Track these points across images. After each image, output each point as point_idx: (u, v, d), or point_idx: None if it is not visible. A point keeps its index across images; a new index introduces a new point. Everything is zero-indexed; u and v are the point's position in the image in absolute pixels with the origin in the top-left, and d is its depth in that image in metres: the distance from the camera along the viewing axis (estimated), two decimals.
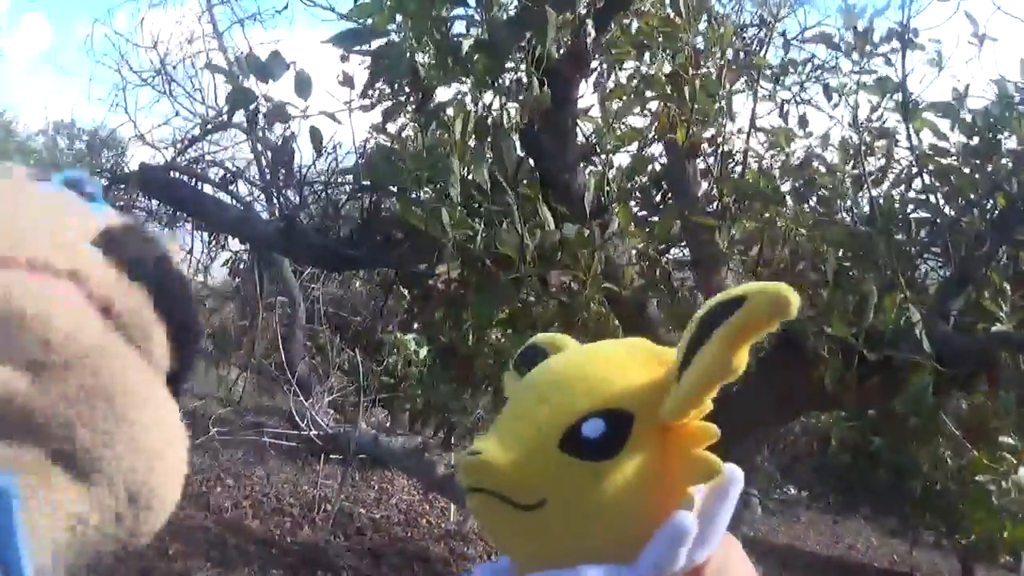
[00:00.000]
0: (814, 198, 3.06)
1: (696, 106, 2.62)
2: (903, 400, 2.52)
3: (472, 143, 2.36)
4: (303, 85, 2.24)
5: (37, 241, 0.53)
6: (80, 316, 0.52)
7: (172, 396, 0.57)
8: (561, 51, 2.41)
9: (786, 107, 3.35)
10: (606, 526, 0.72)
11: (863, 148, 3.00)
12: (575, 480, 0.71)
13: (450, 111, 2.38)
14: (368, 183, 2.67)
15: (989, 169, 2.79)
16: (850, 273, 2.72)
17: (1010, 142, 2.81)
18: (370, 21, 2.21)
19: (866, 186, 2.92)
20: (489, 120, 2.42)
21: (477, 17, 2.29)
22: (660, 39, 2.61)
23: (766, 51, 3.32)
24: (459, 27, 2.43)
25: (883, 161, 3.23)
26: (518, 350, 0.91)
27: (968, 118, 2.84)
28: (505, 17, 2.29)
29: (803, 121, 3.23)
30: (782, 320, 0.66)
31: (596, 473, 0.71)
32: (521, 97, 2.29)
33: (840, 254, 2.72)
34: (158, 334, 0.56)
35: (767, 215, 2.90)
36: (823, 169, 3.10)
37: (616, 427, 0.72)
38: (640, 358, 0.78)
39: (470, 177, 2.31)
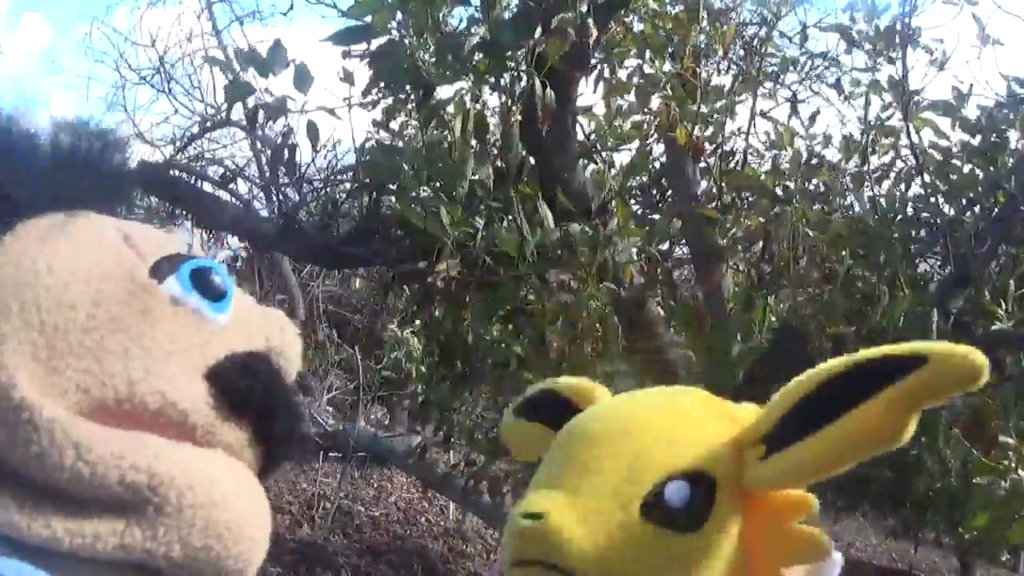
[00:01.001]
0: (815, 200, 3.06)
1: (700, 108, 2.62)
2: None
3: (472, 141, 2.35)
4: (303, 79, 2.24)
5: (153, 384, 0.52)
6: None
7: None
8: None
9: (795, 105, 3.35)
10: None
11: (868, 146, 3.00)
12: (660, 558, 0.60)
13: (451, 109, 2.38)
14: (368, 181, 2.67)
15: (991, 169, 2.79)
16: (851, 272, 2.72)
17: (1016, 141, 2.81)
18: (370, 19, 2.21)
19: (868, 184, 2.92)
20: (489, 118, 2.41)
21: (479, 15, 2.28)
22: (663, 36, 2.61)
23: (766, 47, 3.31)
24: (460, 24, 2.43)
25: (887, 158, 3.23)
26: (524, 394, 0.79)
27: (971, 117, 2.84)
28: (507, 16, 2.29)
29: (812, 119, 3.23)
30: (967, 391, 0.57)
31: (679, 547, 0.61)
32: (522, 94, 2.29)
33: (845, 251, 2.72)
34: (250, 464, 0.58)
35: (770, 212, 2.90)
36: (825, 167, 3.10)
37: (699, 493, 0.62)
38: (711, 413, 0.69)
39: (473, 176, 2.31)
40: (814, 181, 3.08)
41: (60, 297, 0.51)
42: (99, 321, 0.51)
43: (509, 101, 2.30)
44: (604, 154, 3.11)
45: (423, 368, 4.72)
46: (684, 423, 0.67)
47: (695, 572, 0.60)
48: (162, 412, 0.51)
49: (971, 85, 2.89)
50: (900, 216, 2.90)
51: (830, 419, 0.58)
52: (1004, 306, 2.65)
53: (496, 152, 2.54)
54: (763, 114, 3.21)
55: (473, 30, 2.30)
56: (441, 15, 2.23)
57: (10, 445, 0.47)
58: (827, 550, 0.61)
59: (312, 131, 2.46)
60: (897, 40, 2.86)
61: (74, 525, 0.48)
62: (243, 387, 0.55)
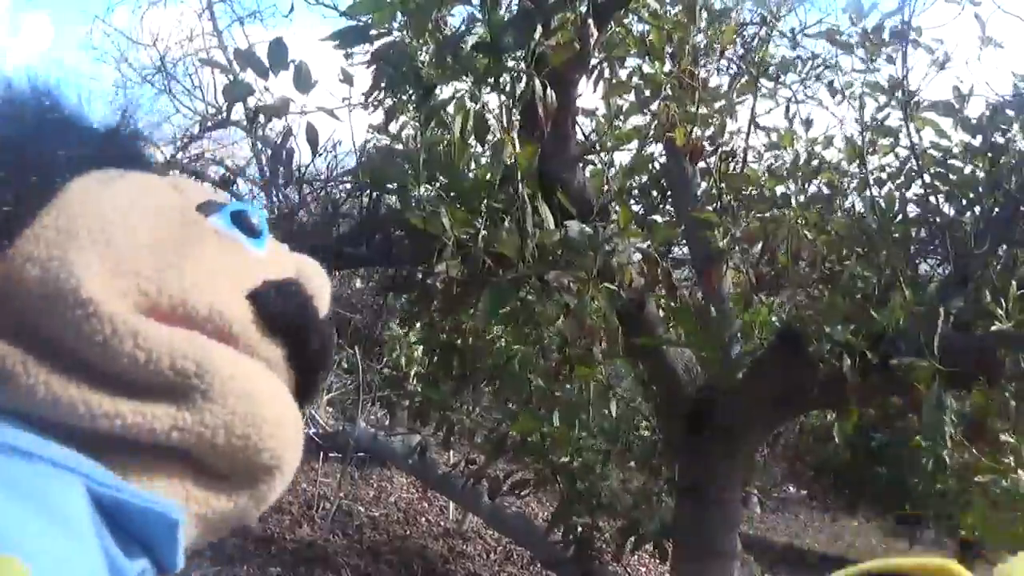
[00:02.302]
0: (815, 199, 3.06)
1: (700, 108, 2.62)
2: (920, 412, 2.51)
3: (472, 141, 2.36)
4: (303, 79, 2.23)
5: (203, 295, 0.58)
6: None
7: None
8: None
9: (791, 107, 3.35)
10: None
11: (867, 147, 3.00)
12: None
13: (450, 109, 2.38)
14: (368, 181, 2.67)
15: (991, 169, 2.79)
16: (851, 272, 2.72)
17: (1019, 141, 2.81)
18: (370, 19, 2.21)
19: (868, 185, 2.92)
20: (489, 119, 2.41)
21: (479, 16, 2.28)
22: (664, 35, 2.61)
23: (766, 47, 3.31)
24: (460, 25, 2.43)
25: (887, 159, 3.23)
26: (856, 571, 0.82)
27: (972, 117, 2.84)
28: (507, 17, 2.29)
29: (808, 123, 3.23)
30: None
31: None
32: (521, 95, 2.29)
33: (844, 252, 2.73)
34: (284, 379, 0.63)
35: (769, 213, 2.90)
36: (825, 168, 3.10)
37: None
38: None
39: (472, 175, 2.31)
40: (815, 182, 3.09)
41: (122, 221, 0.59)
42: (156, 240, 0.59)
43: (509, 102, 2.30)
44: (604, 155, 3.11)
45: (422, 369, 4.72)
46: None
47: None
48: (210, 319, 0.58)
49: (972, 86, 2.89)
50: (900, 216, 2.90)
51: None
52: (1004, 306, 2.65)
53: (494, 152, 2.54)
54: (758, 125, 3.21)
55: (472, 30, 2.30)
56: (441, 15, 2.23)
57: (76, 337, 0.53)
58: None
59: (311, 134, 2.46)
60: (887, 38, 2.86)
61: (134, 405, 0.54)
62: (279, 307, 0.63)
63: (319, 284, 0.70)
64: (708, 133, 2.95)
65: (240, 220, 0.65)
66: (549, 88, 2.20)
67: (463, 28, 2.34)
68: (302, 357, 0.64)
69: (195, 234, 0.62)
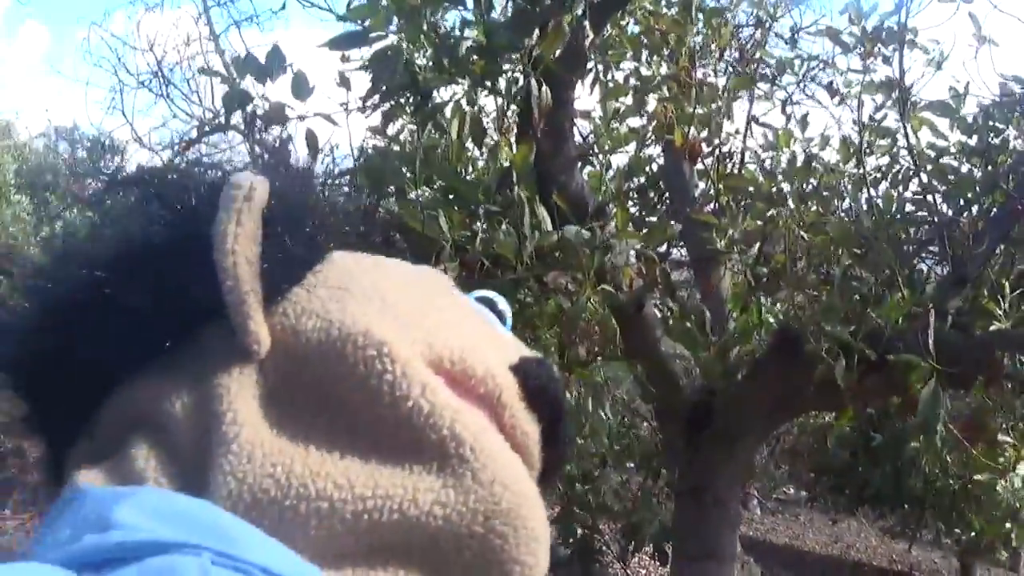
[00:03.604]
0: (812, 200, 3.06)
1: (697, 109, 2.62)
2: (917, 411, 2.51)
3: (469, 144, 2.36)
4: (301, 87, 2.24)
5: (477, 356, 0.54)
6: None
7: None
8: (558, 52, 2.41)
9: (787, 108, 3.36)
10: None
11: (864, 147, 3.00)
12: None
13: (447, 112, 2.38)
14: (366, 184, 2.67)
15: (988, 168, 2.80)
16: (849, 273, 2.72)
17: (1016, 140, 2.82)
18: (367, 23, 2.21)
19: (866, 185, 2.93)
20: (487, 122, 2.42)
21: (474, 19, 2.28)
22: (658, 38, 2.61)
23: (763, 48, 3.32)
24: (456, 27, 2.43)
25: (884, 160, 3.23)
26: None
27: (968, 117, 2.85)
28: (502, 19, 2.29)
29: (804, 122, 3.23)
30: None
31: None
32: (517, 97, 2.29)
33: (841, 252, 2.73)
34: (537, 466, 0.58)
35: (767, 214, 2.90)
36: (822, 169, 3.11)
37: None
38: None
39: (470, 177, 2.31)
40: (812, 181, 3.09)
41: (394, 284, 0.56)
42: (430, 303, 0.57)
43: (505, 103, 2.31)
44: (601, 157, 3.11)
45: None
46: None
47: None
48: (484, 381, 0.54)
49: (967, 84, 2.90)
50: (898, 216, 2.90)
51: None
52: (1002, 306, 2.65)
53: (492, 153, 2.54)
54: (757, 121, 3.22)
55: (467, 33, 2.30)
56: (436, 19, 2.24)
57: (361, 381, 0.49)
58: None
59: (311, 141, 2.46)
60: (885, 37, 2.87)
61: (395, 472, 0.48)
62: (542, 380, 0.58)
63: (554, 373, 0.65)
64: (705, 134, 2.96)
65: (487, 302, 0.64)
66: (544, 87, 2.20)
67: (458, 32, 2.34)
68: (554, 440, 0.59)
69: (461, 304, 0.60)
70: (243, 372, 0.49)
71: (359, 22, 2.23)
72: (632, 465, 4.10)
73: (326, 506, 0.45)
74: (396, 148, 2.61)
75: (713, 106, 2.89)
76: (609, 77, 2.91)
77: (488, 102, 2.56)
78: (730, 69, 3.22)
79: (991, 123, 2.83)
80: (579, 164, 2.81)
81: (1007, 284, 2.68)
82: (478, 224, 2.29)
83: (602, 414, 3.50)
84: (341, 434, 0.49)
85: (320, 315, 0.51)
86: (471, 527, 0.48)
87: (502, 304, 0.65)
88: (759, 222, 2.90)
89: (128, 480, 0.46)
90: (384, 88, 2.36)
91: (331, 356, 0.49)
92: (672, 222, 2.84)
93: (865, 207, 2.91)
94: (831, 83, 3.24)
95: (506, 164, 2.28)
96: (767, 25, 3.29)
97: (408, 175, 2.29)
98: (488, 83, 2.33)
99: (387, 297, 0.54)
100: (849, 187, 3.06)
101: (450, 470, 0.49)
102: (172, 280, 0.49)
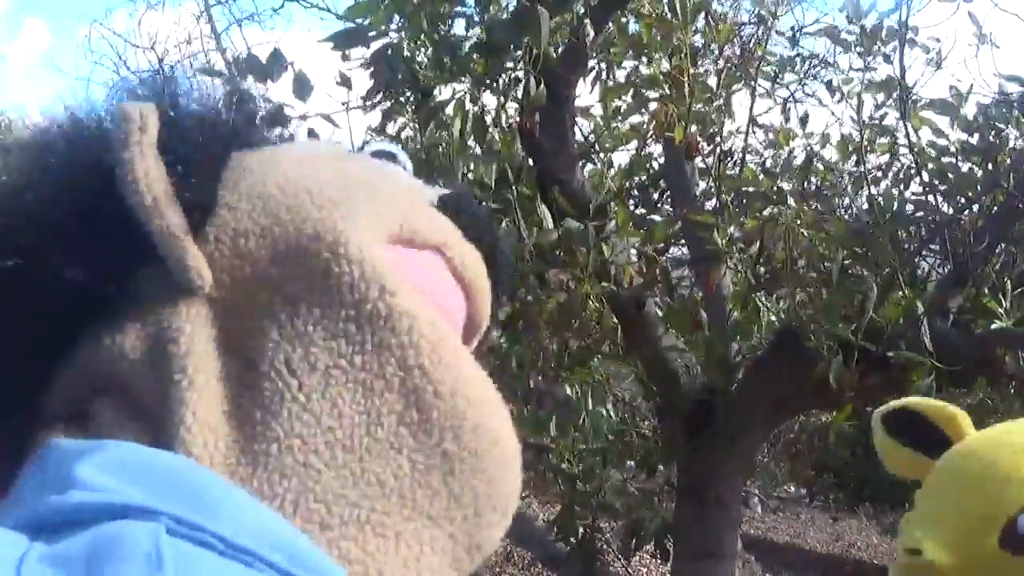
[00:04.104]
0: (813, 200, 3.06)
1: (696, 106, 2.62)
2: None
3: (471, 142, 2.36)
4: (302, 87, 2.23)
5: (412, 214, 0.53)
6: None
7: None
8: (559, 51, 2.41)
9: (788, 106, 3.35)
10: None
11: (864, 145, 3.00)
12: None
13: (449, 110, 2.38)
14: None
15: (989, 167, 2.80)
16: (849, 272, 2.72)
17: (1014, 139, 2.82)
18: (367, 21, 2.21)
19: (866, 183, 2.92)
20: (488, 120, 2.42)
21: (476, 17, 2.29)
22: (658, 39, 2.61)
23: (765, 45, 3.32)
24: (458, 26, 2.43)
25: (884, 158, 3.23)
26: (885, 409, 0.92)
27: (968, 116, 2.85)
28: (503, 16, 2.29)
29: (804, 120, 3.23)
30: None
31: None
32: (519, 96, 2.29)
33: (840, 251, 2.73)
34: (488, 293, 0.57)
35: (767, 213, 2.90)
36: (822, 167, 3.11)
37: None
38: None
39: (469, 176, 2.31)
40: (812, 179, 3.09)
41: (303, 167, 0.54)
42: (349, 178, 0.54)
43: (503, 100, 2.31)
44: (602, 155, 3.11)
45: None
46: None
47: None
48: (432, 232, 0.53)
49: (971, 84, 2.89)
50: (899, 215, 2.90)
51: None
52: (1003, 304, 2.65)
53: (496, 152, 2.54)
54: (756, 123, 3.22)
55: (470, 32, 2.30)
56: (437, 13, 2.24)
57: (319, 289, 0.47)
58: None
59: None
60: (885, 36, 2.86)
61: (359, 393, 0.46)
62: (470, 208, 0.58)
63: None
64: (704, 129, 2.95)
65: (388, 158, 0.61)
66: (541, 85, 2.20)
67: (460, 30, 2.35)
68: (494, 261, 0.57)
69: (373, 167, 0.58)
70: (192, 310, 0.47)
71: (358, 21, 2.23)
72: (633, 463, 4.09)
73: (298, 442, 0.44)
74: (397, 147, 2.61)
75: (712, 104, 2.89)
76: (610, 75, 2.92)
77: (490, 100, 2.56)
78: (730, 67, 3.22)
79: (991, 122, 2.83)
80: (580, 162, 2.81)
81: (1009, 283, 2.68)
82: None
83: (603, 411, 3.50)
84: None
85: (255, 233, 0.49)
86: (441, 445, 0.47)
87: (401, 156, 0.62)
88: (758, 220, 2.90)
89: (95, 437, 0.44)
90: (385, 86, 2.36)
91: (284, 271, 0.47)
92: (673, 220, 2.85)
93: (866, 205, 2.90)
94: (830, 81, 3.24)
95: (502, 165, 2.28)
96: (769, 23, 3.28)
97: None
98: (489, 81, 2.33)
99: (311, 188, 0.51)
100: (850, 186, 3.06)
101: (411, 386, 0.47)
102: (89, 235, 0.47)
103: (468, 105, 2.36)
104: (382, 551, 0.45)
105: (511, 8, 2.35)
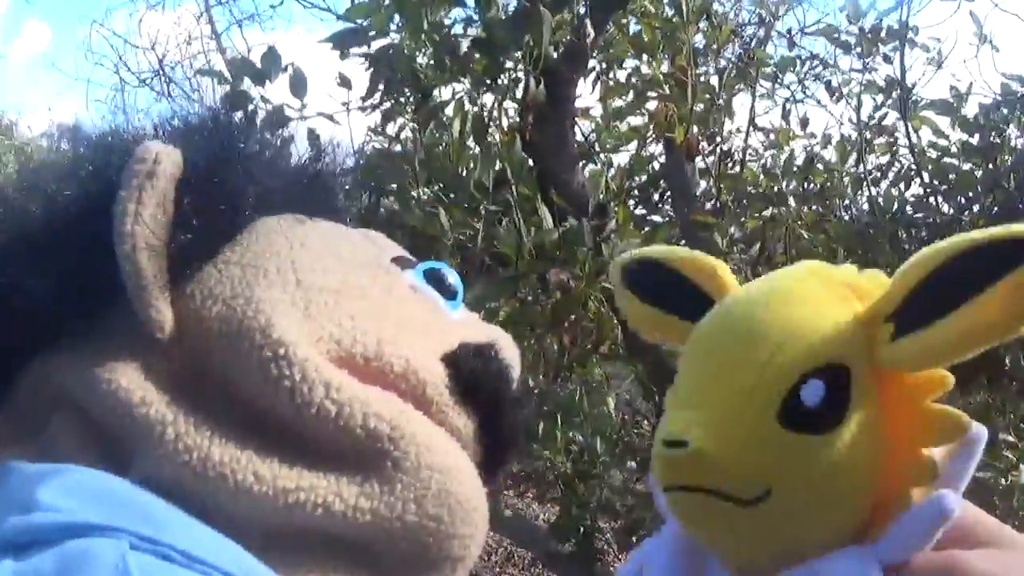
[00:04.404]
0: (813, 202, 3.06)
1: (696, 107, 2.62)
2: None
3: (471, 142, 2.36)
4: (299, 85, 2.23)
5: (398, 350, 0.51)
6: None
7: None
8: (559, 51, 2.41)
9: (788, 107, 3.35)
10: (839, 507, 0.59)
11: (864, 146, 3.00)
12: (801, 461, 0.57)
13: (449, 111, 2.38)
14: (367, 182, 2.67)
15: (990, 167, 2.80)
16: None
17: (1018, 140, 2.82)
18: (367, 22, 2.21)
19: (866, 184, 2.93)
20: (487, 120, 2.42)
21: (475, 17, 2.29)
22: (660, 39, 2.61)
23: (764, 47, 3.32)
24: (457, 27, 2.43)
25: (884, 159, 3.23)
26: (626, 261, 0.70)
27: (969, 116, 2.85)
28: (503, 16, 2.29)
29: (804, 122, 3.23)
30: None
31: (823, 448, 0.57)
32: (519, 95, 2.29)
33: (841, 252, 2.72)
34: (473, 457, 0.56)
35: (767, 213, 2.90)
36: (822, 168, 3.11)
37: (835, 386, 0.58)
38: (834, 290, 0.63)
39: (465, 175, 2.31)
40: (813, 180, 3.09)
41: (314, 263, 0.53)
42: (351, 287, 0.53)
43: (501, 99, 2.31)
44: (603, 155, 3.11)
45: None
46: (810, 311, 0.61)
47: (840, 466, 0.57)
48: (405, 377, 0.51)
49: (971, 84, 2.89)
50: (899, 216, 2.90)
51: (960, 298, 0.54)
52: None
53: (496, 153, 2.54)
54: (756, 126, 3.22)
55: (468, 31, 2.30)
56: (437, 17, 2.24)
57: (261, 382, 0.47)
58: (965, 428, 0.55)
59: (313, 142, 2.46)
60: (885, 36, 2.86)
61: (317, 476, 0.46)
62: (477, 371, 0.55)
63: (513, 355, 0.61)
64: (704, 130, 2.95)
65: (435, 278, 0.59)
66: (541, 84, 2.20)
67: (460, 29, 2.35)
68: (495, 431, 0.56)
69: (391, 286, 0.56)
70: (151, 356, 0.48)
71: (359, 21, 2.23)
72: (634, 464, 4.09)
73: (244, 501, 0.44)
74: (397, 147, 2.61)
75: (713, 105, 2.89)
76: (611, 75, 2.91)
77: (490, 100, 2.56)
78: (732, 69, 3.22)
79: (993, 122, 2.82)
80: (581, 162, 2.81)
81: None
82: (478, 222, 2.29)
83: (604, 410, 3.49)
84: (254, 430, 0.47)
85: (225, 301, 0.49)
86: (403, 517, 0.47)
87: (452, 277, 0.60)
88: (758, 221, 2.90)
89: (53, 460, 0.45)
90: (385, 86, 2.36)
91: (232, 351, 0.48)
92: (674, 220, 2.85)
93: (867, 206, 2.90)
94: (829, 82, 3.24)
95: (502, 166, 2.28)
96: (769, 24, 3.28)
97: (409, 174, 2.29)
98: (489, 81, 2.33)
99: (303, 278, 0.51)
100: (850, 187, 3.06)
101: (372, 467, 0.47)
102: (73, 263, 0.48)
103: (467, 105, 2.36)
104: None
105: (511, 9, 2.35)
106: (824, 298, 0.62)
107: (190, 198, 0.49)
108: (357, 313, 0.52)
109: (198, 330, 0.48)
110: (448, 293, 0.59)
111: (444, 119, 2.37)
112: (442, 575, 0.51)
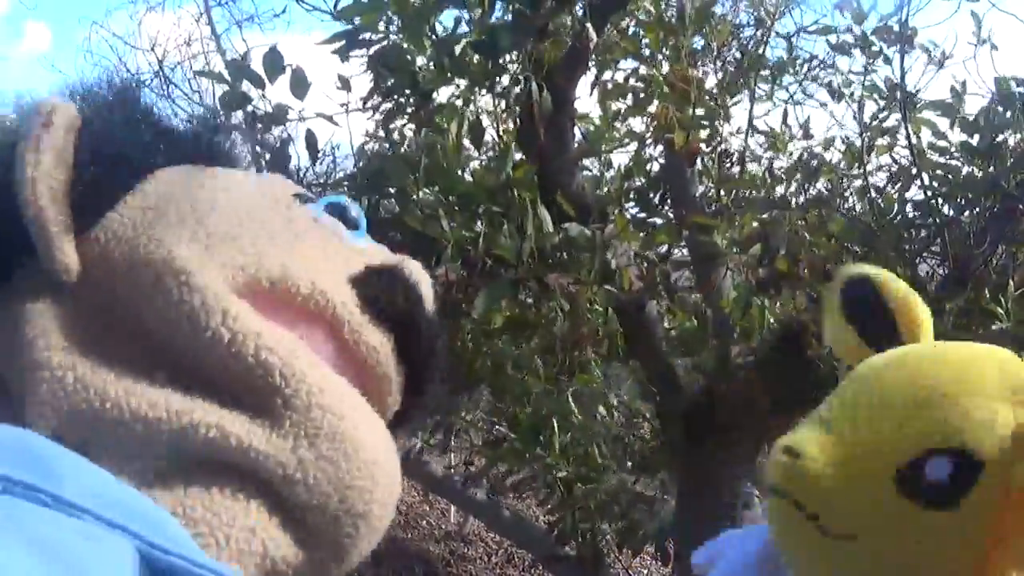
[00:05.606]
0: (812, 202, 3.06)
1: (696, 110, 2.62)
2: None
3: (467, 143, 2.36)
4: (299, 86, 2.23)
5: (304, 272, 0.53)
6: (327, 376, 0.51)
7: (393, 435, 0.55)
8: (560, 53, 2.41)
9: (787, 109, 3.36)
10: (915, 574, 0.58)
11: (864, 147, 3.00)
12: (900, 525, 0.58)
13: (447, 112, 2.38)
14: (367, 184, 2.67)
15: (990, 168, 2.79)
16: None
17: (1013, 140, 2.81)
18: (361, 20, 2.21)
19: (867, 186, 2.93)
20: (485, 122, 2.42)
21: (472, 17, 2.28)
22: (660, 39, 2.61)
23: (763, 50, 3.32)
24: (456, 26, 2.43)
25: (885, 159, 3.23)
26: (844, 281, 0.72)
27: (969, 117, 2.85)
28: (500, 20, 2.29)
29: (805, 126, 3.23)
30: None
31: (926, 522, 0.58)
32: (517, 95, 2.29)
33: (842, 253, 2.72)
34: (395, 379, 0.56)
35: (768, 215, 2.90)
36: (824, 170, 3.11)
37: (963, 472, 0.58)
38: (1007, 386, 0.62)
39: (468, 177, 2.31)
40: (816, 184, 3.09)
41: (213, 202, 0.54)
42: (252, 220, 0.54)
43: (503, 103, 2.30)
44: (602, 157, 3.11)
45: None
46: (973, 392, 0.61)
47: (937, 545, 0.58)
48: (312, 297, 0.52)
49: (963, 82, 2.89)
50: (899, 217, 2.90)
51: None
52: (1004, 306, 2.64)
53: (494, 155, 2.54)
54: (756, 129, 3.22)
55: (465, 32, 2.30)
56: (436, 19, 2.24)
57: (163, 309, 0.48)
58: None
59: (311, 140, 2.45)
60: (885, 36, 2.86)
61: (212, 406, 0.47)
62: (386, 291, 0.56)
63: (422, 277, 0.63)
64: (704, 135, 2.95)
65: (337, 210, 0.61)
66: (546, 91, 2.20)
67: (456, 28, 2.34)
68: (411, 349, 0.57)
69: (292, 218, 0.57)
70: (54, 300, 0.49)
71: (352, 21, 2.23)
72: (633, 465, 4.09)
73: (140, 427, 0.45)
74: (397, 149, 2.61)
75: (712, 108, 2.89)
76: (609, 78, 2.91)
77: (488, 103, 2.56)
78: (729, 69, 3.22)
79: (992, 121, 2.82)
80: (580, 164, 2.81)
81: (1012, 284, 2.67)
82: (479, 225, 2.29)
83: (598, 417, 3.49)
84: (156, 363, 0.48)
85: (128, 241, 0.50)
86: (297, 452, 0.47)
87: (355, 211, 0.61)
88: (759, 223, 2.90)
89: None
90: (384, 88, 2.36)
91: (135, 285, 0.49)
92: (674, 223, 2.84)
93: (868, 206, 2.90)
94: (830, 83, 3.24)
95: (507, 173, 2.27)
96: (768, 25, 3.28)
97: (410, 176, 2.29)
98: (487, 84, 2.33)
99: (204, 217, 0.52)
100: (853, 190, 3.06)
101: (264, 403, 0.48)
102: None
103: (462, 108, 2.35)
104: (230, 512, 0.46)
105: (510, 12, 2.35)
106: (993, 390, 0.62)
107: (88, 148, 0.51)
108: (260, 241, 0.53)
109: (104, 270, 0.50)
110: (351, 224, 0.61)
111: (441, 121, 2.37)
112: (345, 529, 0.50)
